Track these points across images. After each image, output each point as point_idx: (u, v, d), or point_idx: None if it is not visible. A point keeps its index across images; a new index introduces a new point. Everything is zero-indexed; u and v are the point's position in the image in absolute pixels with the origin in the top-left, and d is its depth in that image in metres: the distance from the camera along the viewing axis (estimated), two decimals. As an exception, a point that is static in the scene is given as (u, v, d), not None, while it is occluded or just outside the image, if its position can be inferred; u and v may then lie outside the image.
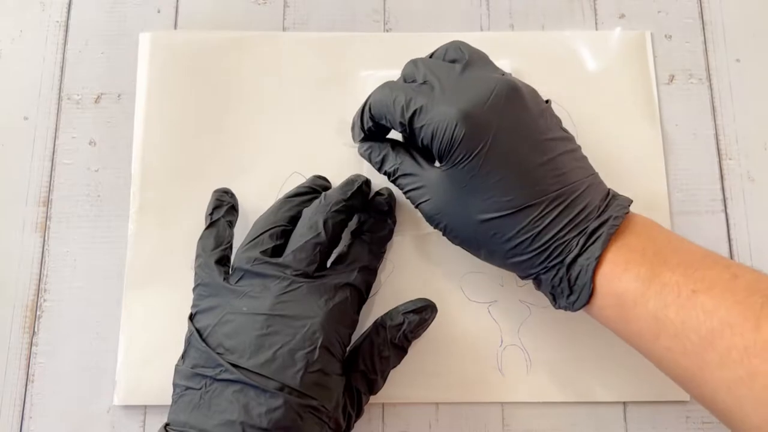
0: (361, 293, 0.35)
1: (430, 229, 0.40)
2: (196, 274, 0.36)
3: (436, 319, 0.38)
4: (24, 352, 0.39)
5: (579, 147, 0.35)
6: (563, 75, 0.43)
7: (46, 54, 0.44)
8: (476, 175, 0.32)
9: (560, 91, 0.42)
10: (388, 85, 0.36)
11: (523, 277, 0.34)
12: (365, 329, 0.36)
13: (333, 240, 0.36)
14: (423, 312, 0.36)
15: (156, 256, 0.40)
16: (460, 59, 0.35)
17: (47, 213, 0.41)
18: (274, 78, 0.43)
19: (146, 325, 0.39)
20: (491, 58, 0.36)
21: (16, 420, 0.38)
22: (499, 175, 0.32)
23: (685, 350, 0.28)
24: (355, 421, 0.35)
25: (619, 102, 0.43)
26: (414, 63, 0.36)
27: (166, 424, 0.32)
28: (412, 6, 0.45)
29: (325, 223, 0.35)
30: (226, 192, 0.39)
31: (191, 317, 0.34)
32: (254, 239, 0.35)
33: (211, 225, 0.38)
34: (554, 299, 0.34)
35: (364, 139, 0.38)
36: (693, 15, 0.45)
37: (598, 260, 0.31)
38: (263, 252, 0.34)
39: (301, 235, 0.35)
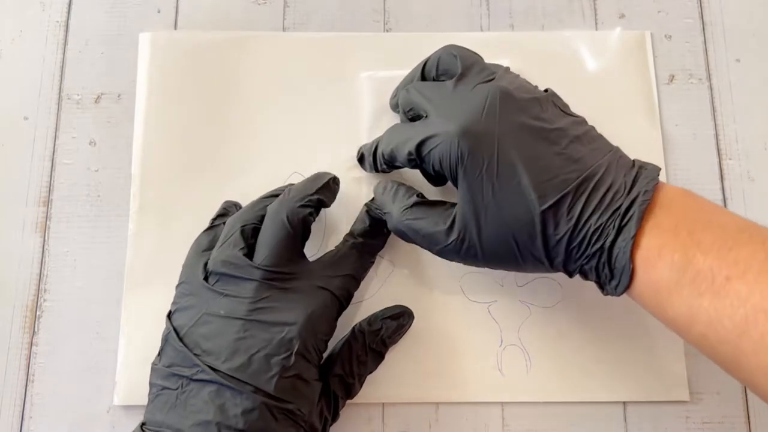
0: (341, 302, 0.35)
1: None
2: (181, 271, 0.36)
3: (436, 319, 0.38)
4: (24, 352, 0.39)
5: (591, 127, 0.34)
6: (563, 75, 0.43)
7: (46, 54, 0.44)
8: (495, 183, 0.32)
9: (560, 91, 0.42)
10: (394, 129, 0.37)
11: (571, 274, 0.33)
12: (345, 334, 0.36)
13: (302, 234, 0.35)
14: (400, 318, 0.37)
15: (156, 256, 0.40)
16: (453, 69, 0.35)
17: (47, 213, 0.41)
18: (274, 78, 0.43)
19: (146, 325, 0.39)
20: (491, 58, 0.37)
21: (16, 420, 0.38)
22: (517, 177, 0.31)
23: (720, 338, 0.28)
24: (331, 425, 0.35)
25: (619, 102, 0.43)
26: (407, 91, 0.37)
27: (143, 424, 0.32)
28: (412, 6, 0.45)
29: (288, 218, 0.35)
30: (235, 205, 0.40)
31: (169, 315, 0.34)
32: (227, 239, 0.35)
33: (210, 228, 0.38)
34: (602, 288, 0.33)
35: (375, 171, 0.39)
36: (693, 15, 0.45)
37: (634, 240, 0.30)
38: (237, 253, 0.34)
39: (268, 234, 0.35)
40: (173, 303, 0.35)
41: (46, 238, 0.41)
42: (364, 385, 0.36)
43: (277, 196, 0.37)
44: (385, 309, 0.37)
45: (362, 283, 0.38)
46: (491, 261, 0.34)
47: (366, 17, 0.45)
